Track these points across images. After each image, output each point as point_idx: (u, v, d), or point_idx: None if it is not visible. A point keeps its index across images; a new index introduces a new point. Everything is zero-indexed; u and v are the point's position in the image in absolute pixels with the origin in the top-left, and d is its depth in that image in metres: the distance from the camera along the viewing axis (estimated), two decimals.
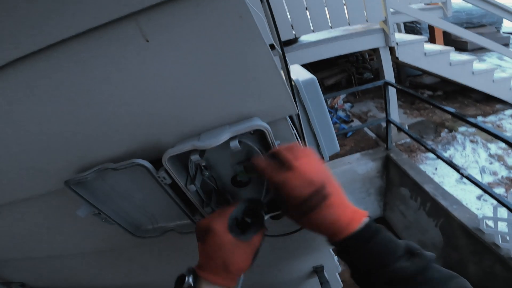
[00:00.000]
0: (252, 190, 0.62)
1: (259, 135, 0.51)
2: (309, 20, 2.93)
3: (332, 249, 0.99)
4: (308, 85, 0.65)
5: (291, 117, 0.61)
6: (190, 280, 0.45)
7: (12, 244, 0.85)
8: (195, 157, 0.48)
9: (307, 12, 2.90)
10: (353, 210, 0.45)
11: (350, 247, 0.42)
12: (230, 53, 0.43)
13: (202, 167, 0.54)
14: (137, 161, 0.52)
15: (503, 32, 6.64)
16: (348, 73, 5.49)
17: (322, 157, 0.78)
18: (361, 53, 5.76)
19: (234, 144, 0.46)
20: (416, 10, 3.20)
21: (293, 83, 0.63)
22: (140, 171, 0.54)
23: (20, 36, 0.38)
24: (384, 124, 3.21)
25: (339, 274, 1.31)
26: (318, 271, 1.34)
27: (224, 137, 0.45)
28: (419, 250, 0.41)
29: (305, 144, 0.64)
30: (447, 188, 2.77)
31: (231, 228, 0.47)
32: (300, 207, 0.43)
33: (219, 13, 0.39)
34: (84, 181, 0.55)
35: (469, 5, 6.03)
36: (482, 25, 6.45)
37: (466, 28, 6.29)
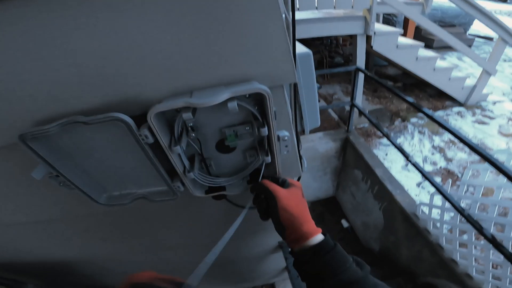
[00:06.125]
0: (235, 156, 0.60)
1: (255, 99, 0.48)
2: None
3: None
4: (303, 58, 0.62)
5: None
6: None
7: None
8: (187, 115, 0.43)
9: None
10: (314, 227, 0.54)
11: (311, 257, 0.49)
12: (236, 10, 0.39)
13: (189, 128, 0.50)
14: (117, 115, 0.45)
15: (469, 34, 7.14)
16: (321, 55, 5.55)
17: (303, 131, 0.78)
18: (335, 38, 5.82)
19: (233, 105, 0.42)
20: (401, 3, 3.25)
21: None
22: (116, 128, 0.48)
23: None
24: (348, 108, 3.34)
25: None
26: (283, 245, 1.40)
27: (224, 96, 0.41)
28: (363, 262, 0.50)
29: (294, 115, 0.63)
30: (393, 173, 3.01)
31: None
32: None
33: None
34: (43, 136, 0.47)
35: (446, 4, 6.25)
36: (452, 25, 6.80)
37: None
